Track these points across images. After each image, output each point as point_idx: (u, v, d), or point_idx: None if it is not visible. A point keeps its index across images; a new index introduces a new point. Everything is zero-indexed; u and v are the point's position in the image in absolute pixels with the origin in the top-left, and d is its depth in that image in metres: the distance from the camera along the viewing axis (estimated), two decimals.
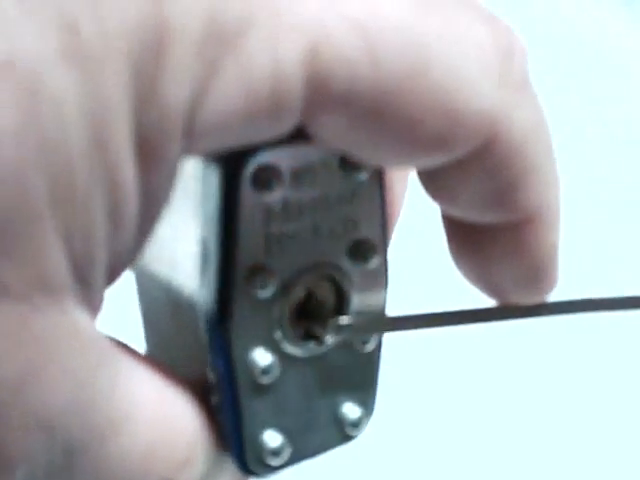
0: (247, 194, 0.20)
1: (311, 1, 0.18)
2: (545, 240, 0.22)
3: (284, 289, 0.22)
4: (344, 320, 0.23)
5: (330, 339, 0.23)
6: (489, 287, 0.24)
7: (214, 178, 0.20)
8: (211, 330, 0.21)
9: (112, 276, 0.19)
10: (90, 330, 0.18)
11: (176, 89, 0.17)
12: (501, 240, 0.23)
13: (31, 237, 0.17)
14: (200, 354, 0.22)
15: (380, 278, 0.23)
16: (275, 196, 0.21)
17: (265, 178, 0.20)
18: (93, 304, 0.18)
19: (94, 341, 0.18)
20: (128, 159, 0.17)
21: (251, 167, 0.20)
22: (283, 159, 0.21)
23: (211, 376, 0.22)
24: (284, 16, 0.18)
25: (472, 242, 0.23)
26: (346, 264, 0.22)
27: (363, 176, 0.22)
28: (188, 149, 0.18)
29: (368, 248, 0.23)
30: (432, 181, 0.22)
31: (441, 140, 0.19)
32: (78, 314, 0.18)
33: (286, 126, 0.19)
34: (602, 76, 0.67)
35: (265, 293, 0.21)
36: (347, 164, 0.22)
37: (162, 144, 0.18)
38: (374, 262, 0.23)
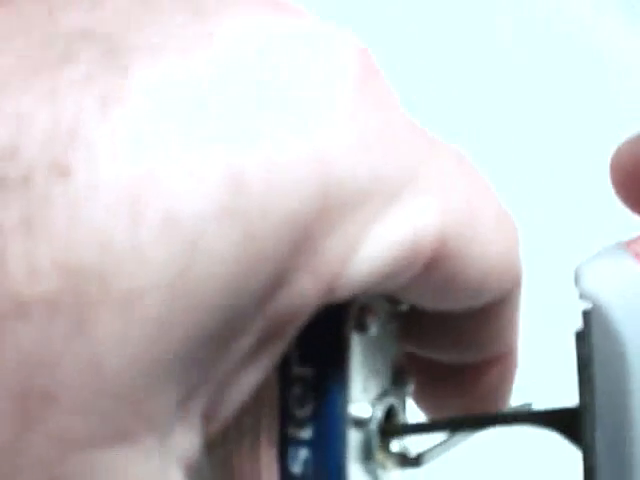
0: (354, 336, 0.21)
1: (435, 172, 0.19)
2: (507, 379, 0.24)
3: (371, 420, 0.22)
4: (411, 454, 0.23)
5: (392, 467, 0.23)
6: (437, 412, 0.25)
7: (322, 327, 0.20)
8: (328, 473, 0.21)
9: (209, 421, 0.18)
10: None
11: (331, 249, 0.17)
12: (465, 376, 0.24)
13: (157, 393, 0.16)
14: None
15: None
16: (370, 334, 0.22)
17: (364, 319, 0.21)
18: (188, 453, 0.18)
19: None
20: (260, 311, 0.17)
21: (355, 310, 0.21)
22: (371, 299, 0.22)
23: None
24: (421, 182, 0.19)
25: (431, 375, 0.24)
26: (392, 390, 0.23)
27: (405, 307, 0.23)
28: (321, 302, 0.18)
29: (407, 374, 0.23)
30: (415, 324, 0.23)
31: (500, 287, 0.21)
32: (176, 464, 0.17)
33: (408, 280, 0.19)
34: (600, 78, 0.68)
35: (365, 432, 0.22)
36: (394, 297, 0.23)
37: (304, 297, 0.17)
38: (411, 386, 0.24)
